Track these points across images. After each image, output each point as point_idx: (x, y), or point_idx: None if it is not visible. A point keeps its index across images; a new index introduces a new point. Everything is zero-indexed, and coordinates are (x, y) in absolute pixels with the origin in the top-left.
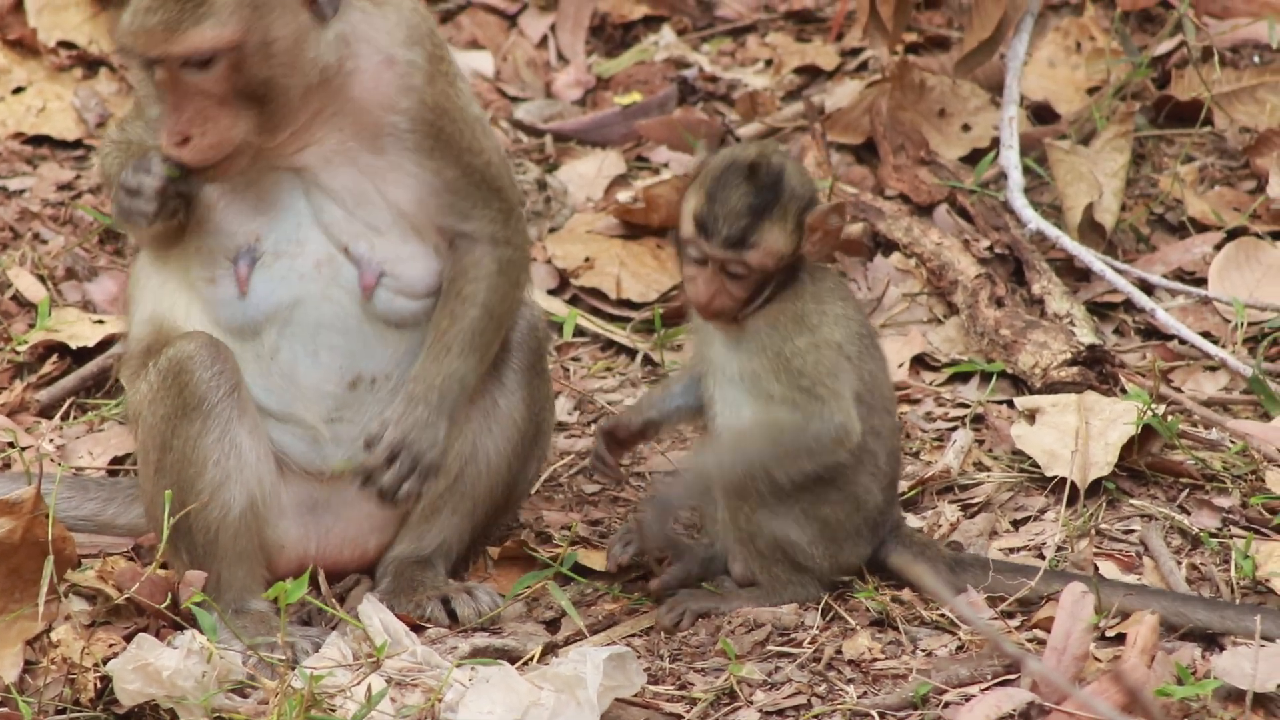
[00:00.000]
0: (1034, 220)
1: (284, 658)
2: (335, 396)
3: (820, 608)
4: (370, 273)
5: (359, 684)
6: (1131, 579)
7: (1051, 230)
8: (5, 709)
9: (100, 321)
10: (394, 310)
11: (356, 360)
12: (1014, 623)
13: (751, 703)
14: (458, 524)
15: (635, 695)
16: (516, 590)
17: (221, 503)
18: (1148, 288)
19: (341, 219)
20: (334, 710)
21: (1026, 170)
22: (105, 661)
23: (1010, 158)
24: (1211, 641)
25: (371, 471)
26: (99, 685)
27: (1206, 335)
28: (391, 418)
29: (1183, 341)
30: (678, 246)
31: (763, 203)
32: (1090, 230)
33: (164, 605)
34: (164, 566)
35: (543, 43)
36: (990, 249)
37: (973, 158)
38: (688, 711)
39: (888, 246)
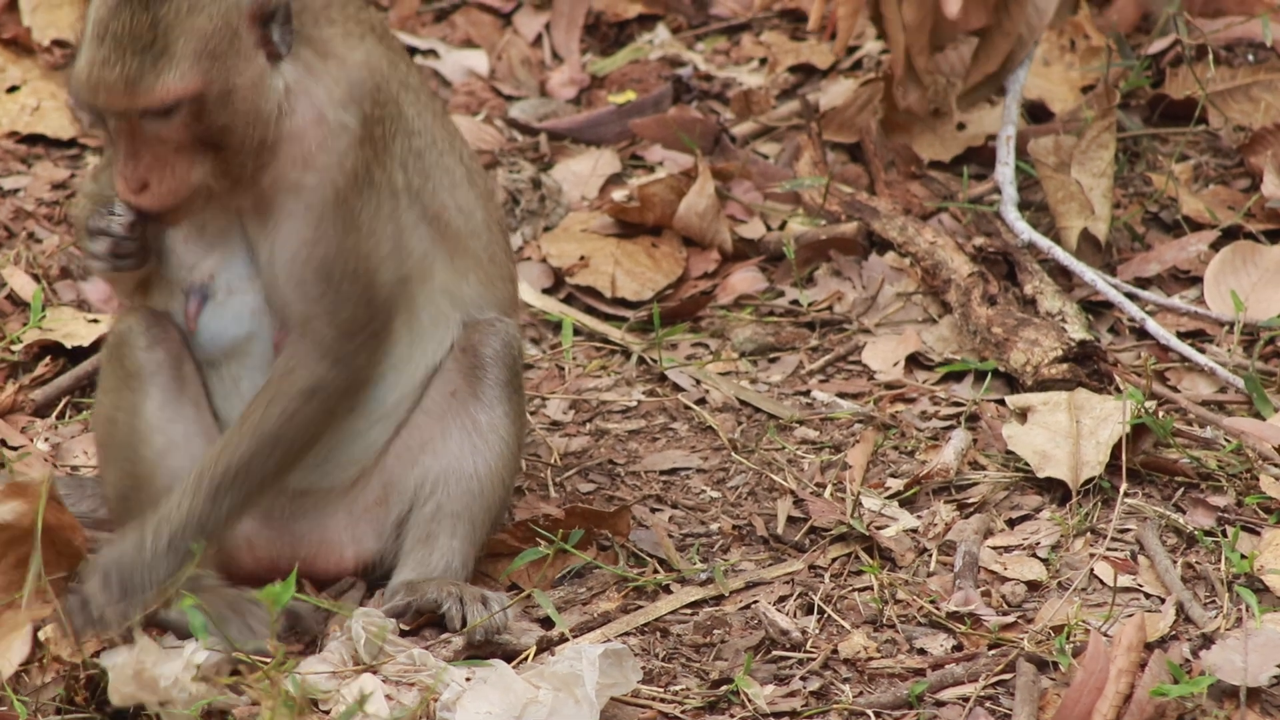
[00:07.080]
0: (1026, 232)
1: (270, 660)
2: None
3: (816, 607)
4: (277, 327)
5: (349, 684)
6: (1127, 579)
7: (1044, 242)
8: (4, 708)
9: (95, 321)
10: None
11: None
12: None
13: (748, 702)
14: (459, 546)
15: (629, 695)
16: (517, 565)
17: (168, 470)
18: (1144, 283)
19: (264, 265)
20: (327, 713)
21: (1018, 170)
22: (96, 655)
23: (1005, 174)
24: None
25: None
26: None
27: (1201, 334)
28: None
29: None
30: None
31: None
32: (1085, 241)
33: None
34: None
35: (537, 41)
36: (980, 249)
37: (968, 156)
38: (683, 712)
39: (882, 245)
